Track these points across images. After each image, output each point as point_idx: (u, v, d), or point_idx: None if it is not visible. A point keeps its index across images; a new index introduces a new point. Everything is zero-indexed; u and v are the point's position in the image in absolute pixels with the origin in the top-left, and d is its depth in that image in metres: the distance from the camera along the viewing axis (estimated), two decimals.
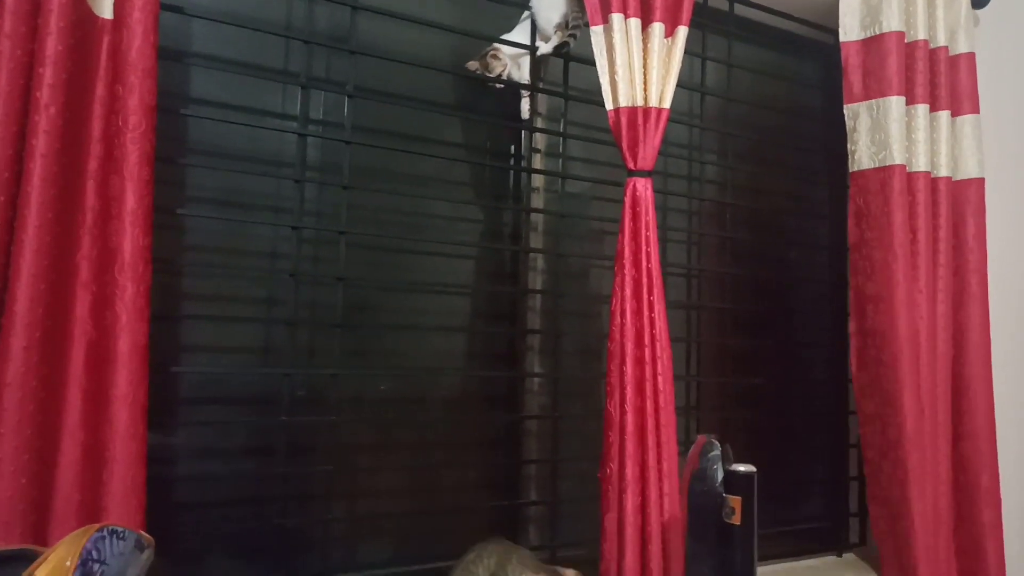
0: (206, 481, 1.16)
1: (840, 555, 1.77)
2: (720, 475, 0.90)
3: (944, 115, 1.63)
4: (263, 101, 1.25)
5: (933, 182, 1.61)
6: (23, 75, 0.84)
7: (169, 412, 1.14)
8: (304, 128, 1.26)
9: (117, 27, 0.91)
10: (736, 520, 0.86)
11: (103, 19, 0.93)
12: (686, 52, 1.59)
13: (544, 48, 1.38)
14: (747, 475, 0.89)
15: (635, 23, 1.24)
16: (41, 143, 0.83)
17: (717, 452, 0.93)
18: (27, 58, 0.84)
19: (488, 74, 1.35)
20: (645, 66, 1.27)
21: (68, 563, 0.47)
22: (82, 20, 0.89)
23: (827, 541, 1.80)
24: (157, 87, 0.93)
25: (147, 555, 0.57)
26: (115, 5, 0.91)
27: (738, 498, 0.87)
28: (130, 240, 0.89)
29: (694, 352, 1.65)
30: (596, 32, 1.27)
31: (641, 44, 1.26)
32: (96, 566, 0.48)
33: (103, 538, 0.50)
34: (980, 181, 1.67)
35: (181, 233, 1.18)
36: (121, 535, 0.52)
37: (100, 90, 0.93)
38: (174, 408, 1.15)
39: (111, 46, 0.92)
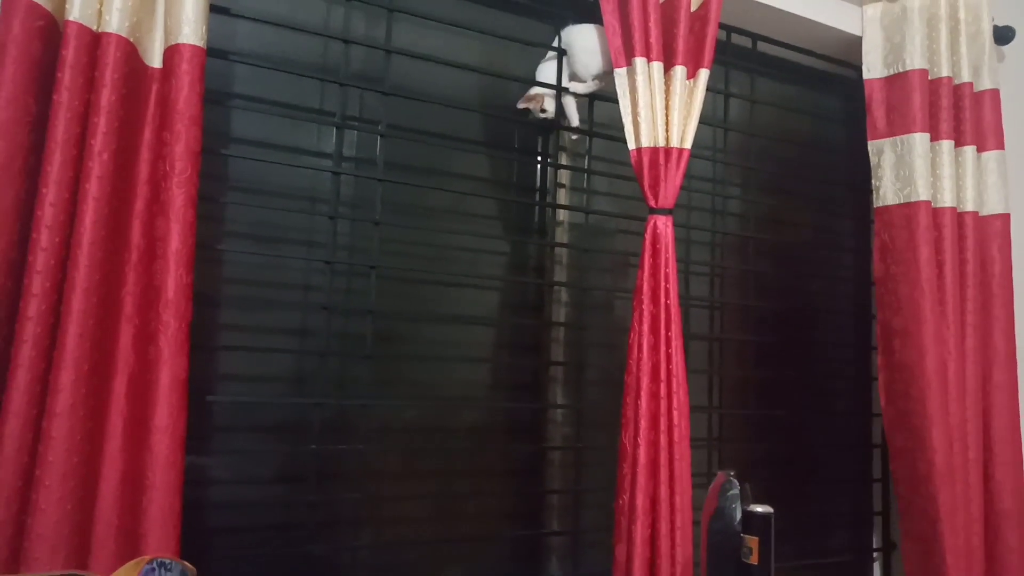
0: (238, 507, 1.20)
1: None
2: (738, 515, 0.92)
3: (970, 150, 1.64)
4: (300, 139, 1.30)
5: (960, 217, 1.62)
6: (79, 124, 0.89)
7: (204, 439, 1.18)
8: (338, 165, 1.31)
9: (166, 76, 0.97)
10: (754, 560, 0.87)
11: (152, 68, 0.99)
12: (709, 89, 1.64)
13: (579, 89, 1.42)
14: (765, 516, 0.91)
15: (657, 66, 1.28)
16: (94, 187, 0.89)
17: (736, 491, 0.95)
18: (83, 108, 0.90)
19: (541, 113, 1.39)
20: (667, 108, 1.30)
21: None
22: (134, 70, 0.95)
23: None
24: (202, 133, 0.98)
25: None
26: (164, 55, 0.97)
27: (756, 538, 0.88)
28: (174, 279, 0.94)
29: (716, 384, 1.66)
30: (620, 74, 1.31)
31: (663, 86, 1.29)
32: None
33: (152, 571, 0.54)
34: (1006, 217, 1.67)
35: (220, 266, 1.23)
36: (168, 567, 0.56)
37: (148, 135, 0.99)
38: (209, 435, 1.19)
39: (159, 94, 0.98)
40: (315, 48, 1.33)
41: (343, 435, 1.28)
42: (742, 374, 1.71)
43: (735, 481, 0.97)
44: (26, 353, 0.86)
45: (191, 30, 0.96)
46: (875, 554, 1.81)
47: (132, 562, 0.53)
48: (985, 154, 1.69)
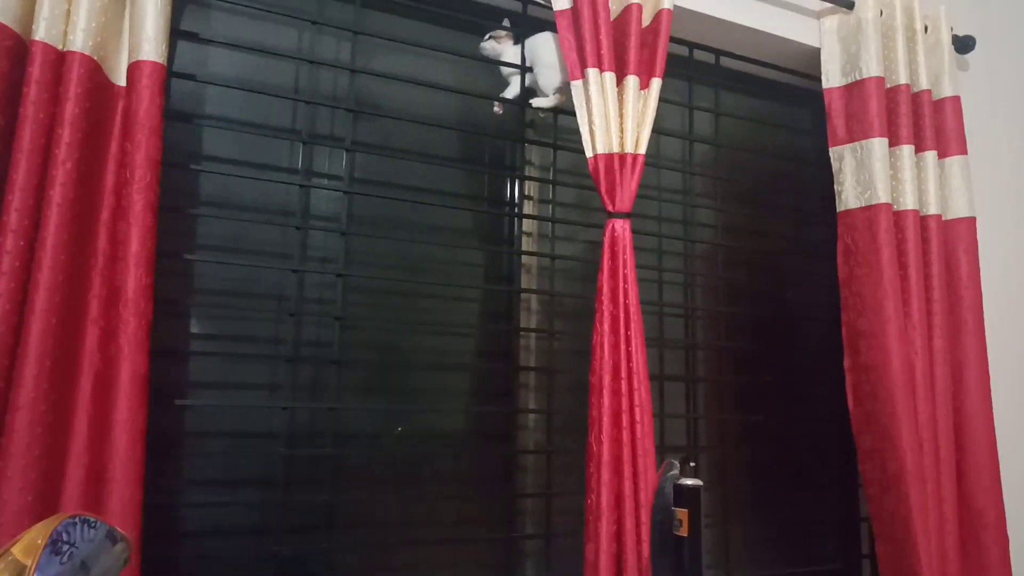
0: (209, 509, 1.23)
1: None
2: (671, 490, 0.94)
3: (931, 155, 1.67)
4: (276, 157, 1.36)
5: (922, 220, 1.65)
6: (45, 135, 0.95)
7: (176, 443, 1.22)
8: (307, 180, 1.37)
9: (129, 92, 1.03)
10: (684, 532, 0.89)
11: (118, 86, 1.05)
12: (675, 103, 1.70)
13: (541, 103, 1.48)
14: (692, 488, 0.92)
15: (610, 76, 1.33)
16: (57, 194, 0.94)
17: (675, 471, 0.97)
18: (48, 120, 0.96)
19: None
20: (621, 115, 1.35)
21: (39, 541, 0.54)
22: (98, 87, 1.01)
23: None
24: (163, 144, 1.04)
25: (120, 548, 0.64)
26: (128, 72, 1.04)
27: (685, 510, 0.90)
28: (133, 279, 0.98)
29: (693, 391, 1.67)
30: (576, 86, 1.36)
31: (616, 95, 1.34)
32: (65, 547, 0.55)
33: (74, 524, 0.57)
34: (971, 220, 1.69)
35: (196, 278, 1.27)
36: (92, 524, 0.59)
37: (114, 148, 1.05)
38: (181, 440, 1.23)
39: (125, 109, 1.04)
40: (288, 70, 1.39)
41: (314, 441, 1.31)
42: (721, 380, 1.72)
43: (675, 463, 0.99)
44: None
45: (151, 47, 1.02)
46: (864, 560, 1.80)
47: (54, 516, 0.56)
48: (948, 159, 1.72)
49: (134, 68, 1.02)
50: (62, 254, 0.95)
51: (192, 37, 1.28)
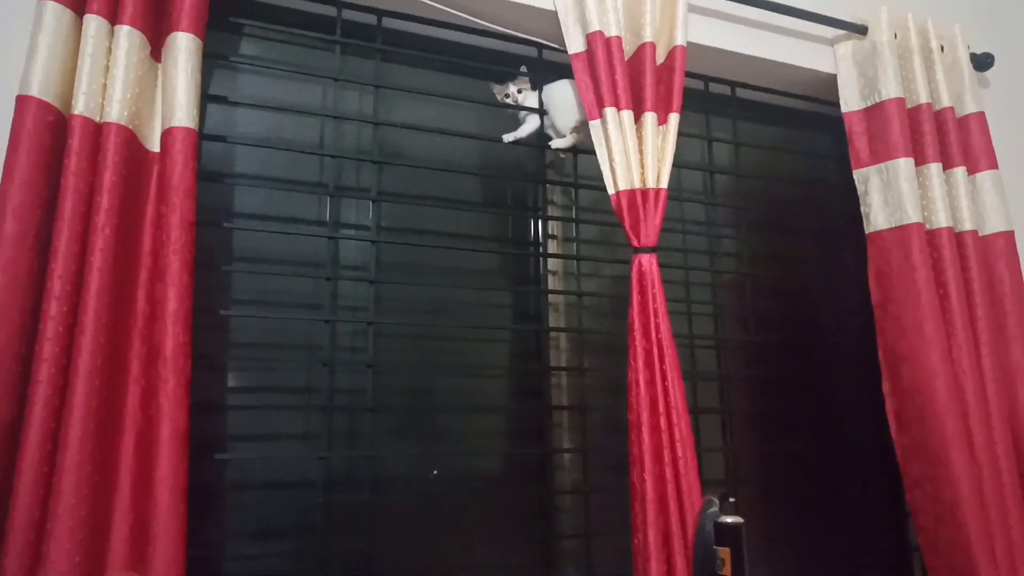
0: (250, 560, 1.24)
1: None
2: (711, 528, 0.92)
3: (960, 171, 1.66)
4: (305, 210, 1.40)
5: (958, 236, 1.62)
6: (85, 203, 0.99)
7: (216, 496, 1.23)
8: (336, 231, 1.40)
9: (163, 158, 1.07)
10: (727, 571, 0.86)
11: (153, 152, 1.10)
12: (695, 136, 1.71)
13: (559, 143, 1.50)
14: (734, 526, 0.90)
15: (627, 114, 1.35)
16: (97, 259, 0.98)
17: (714, 509, 0.95)
18: (88, 189, 1.00)
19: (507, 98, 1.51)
20: (641, 151, 1.36)
21: None
22: (134, 154, 1.06)
23: None
24: (197, 205, 1.07)
25: None
26: (161, 138, 1.08)
27: (727, 549, 0.88)
28: (171, 338, 1.01)
29: (730, 424, 1.65)
30: (594, 126, 1.38)
31: (635, 132, 1.36)
32: None
33: None
34: (1010, 234, 1.66)
35: (232, 332, 1.30)
36: None
37: (150, 212, 1.09)
38: (221, 492, 1.24)
39: (159, 175, 1.09)
40: (314, 125, 1.43)
41: (351, 488, 1.31)
42: (756, 411, 1.69)
43: (715, 500, 0.97)
44: (37, 413, 0.93)
45: (183, 114, 1.07)
46: None
47: None
48: (979, 175, 1.70)
49: (167, 135, 1.07)
50: (103, 317, 0.98)
51: (221, 100, 1.33)
